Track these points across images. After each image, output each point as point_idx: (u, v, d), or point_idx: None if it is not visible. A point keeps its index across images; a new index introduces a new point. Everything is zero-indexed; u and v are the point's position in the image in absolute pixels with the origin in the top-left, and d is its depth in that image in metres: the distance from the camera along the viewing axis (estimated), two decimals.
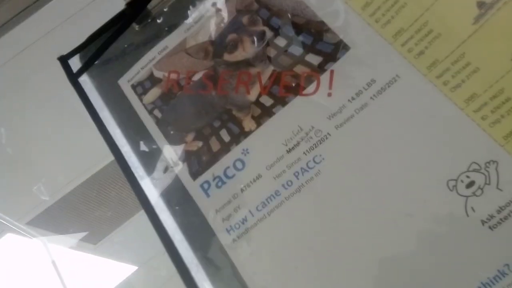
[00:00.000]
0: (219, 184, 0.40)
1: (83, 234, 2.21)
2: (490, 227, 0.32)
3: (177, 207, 0.41)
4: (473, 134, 0.34)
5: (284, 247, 0.38)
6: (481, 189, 0.33)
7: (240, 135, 0.41)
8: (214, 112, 0.43)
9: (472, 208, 0.33)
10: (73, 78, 0.49)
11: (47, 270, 2.03)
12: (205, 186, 0.41)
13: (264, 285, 0.37)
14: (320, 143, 0.38)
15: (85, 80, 0.49)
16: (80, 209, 2.02)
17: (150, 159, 0.43)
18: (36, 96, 1.32)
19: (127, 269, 2.61)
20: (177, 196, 0.41)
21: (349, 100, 0.38)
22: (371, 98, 0.38)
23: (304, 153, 0.39)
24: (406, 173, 0.35)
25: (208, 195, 0.40)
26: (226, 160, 0.41)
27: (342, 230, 0.36)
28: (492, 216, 0.33)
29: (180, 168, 0.42)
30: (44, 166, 1.65)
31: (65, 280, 2.08)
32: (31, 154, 1.57)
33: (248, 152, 0.40)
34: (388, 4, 0.39)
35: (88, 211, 2.06)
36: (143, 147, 0.44)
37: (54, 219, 1.99)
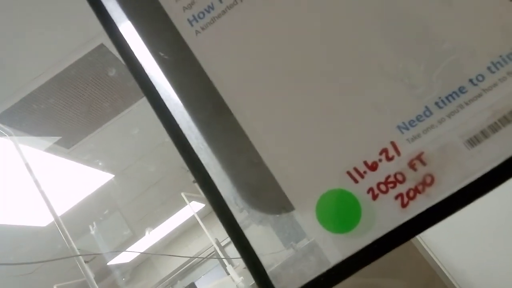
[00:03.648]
0: None
1: (55, 137, 2.14)
2: None
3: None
4: None
5: (258, 42, 0.31)
6: None
7: None
8: None
9: None
10: None
11: (21, 172, 1.98)
12: None
13: (232, 84, 0.31)
14: None
15: None
16: (50, 108, 1.93)
17: None
18: None
19: (103, 177, 2.59)
20: None
21: None
22: None
23: None
24: None
25: None
26: None
27: (335, 21, 0.30)
28: None
29: None
30: (11, 58, 1.54)
31: (40, 182, 2.04)
32: None
33: None
34: None
35: (59, 111, 1.97)
36: None
37: (24, 118, 1.91)
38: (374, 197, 0.28)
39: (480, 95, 0.27)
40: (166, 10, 0.32)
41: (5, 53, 1.53)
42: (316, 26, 0.30)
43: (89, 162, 2.39)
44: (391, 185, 0.28)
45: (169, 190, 3.10)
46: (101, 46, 1.69)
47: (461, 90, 0.27)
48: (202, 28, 0.32)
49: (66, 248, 1.84)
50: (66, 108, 1.97)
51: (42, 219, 2.25)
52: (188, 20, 0.32)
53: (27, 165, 1.98)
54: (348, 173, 0.29)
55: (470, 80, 0.27)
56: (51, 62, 1.71)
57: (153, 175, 2.93)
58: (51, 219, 1.89)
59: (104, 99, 2.08)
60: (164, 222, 3.38)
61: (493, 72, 0.27)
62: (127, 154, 2.59)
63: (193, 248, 3.50)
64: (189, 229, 3.55)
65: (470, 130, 0.27)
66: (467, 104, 0.27)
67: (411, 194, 0.27)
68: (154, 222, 3.31)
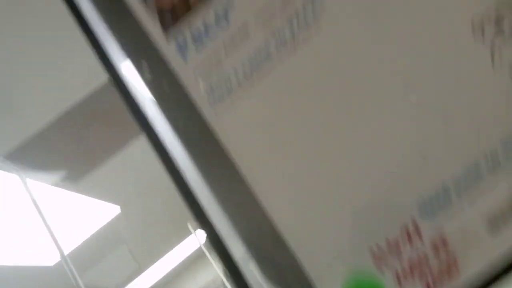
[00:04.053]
0: (198, 41, 0.33)
1: (63, 171, 2.15)
2: None
3: (149, 73, 0.35)
4: None
5: (277, 120, 0.32)
6: None
7: None
8: None
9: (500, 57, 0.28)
10: None
11: (28, 208, 1.98)
12: (181, 42, 0.33)
13: (250, 160, 0.32)
14: None
15: None
16: (59, 144, 1.95)
17: (115, 15, 0.36)
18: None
19: (110, 209, 2.59)
20: (148, 60, 0.35)
21: None
22: None
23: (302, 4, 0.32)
24: (423, 12, 0.29)
25: (185, 59, 0.34)
26: (206, 10, 0.33)
27: (352, 102, 0.30)
28: None
29: (150, 23, 0.35)
30: (19, 96, 1.57)
31: (47, 218, 2.04)
32: (3, 81, 1.47)
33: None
34: None
35: (66, 146, 1.99)
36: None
37: (31, 154, 1.92)
38: (399, 282, 0.28)
39: (496, 176, 0.27)
40: (187, 91, 0.33)
41: (12, 93, 1.56)
42: (335, 104, 0.31)
43: (96, 195, 2.39)
44: (416, 269, 0.28)
45: (175, 221, 3.08)
46: (107, 83, 1.71)
47: (477, 167, 0.28)
48: (222, 109, 0.32)
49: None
50: (73, 143, 1.99)
51: (49, 259, 2.23)
52: (208, 100, 0.33)
53: (34, 202, 1.98)
54: (371, 251, 0.29)
55: (485, 157, 0.27)
56: (58, 100, 1.74)
57: (159, 206, 2.92)
58: (58, 257, 1.88)
59: (110, 133, 2.09)
60: (170, 253, 3.35)
61: (508, 152, 0.27)
62: (134, 185, 2.59)
63: (201, 279, 3.45)
64: (196, 259, 3.51)
65: (490, 212, 0.27)
66: (484, 184, 0.28)
67: (436, 278, 0.27)
68: (161, 253, 3.28)
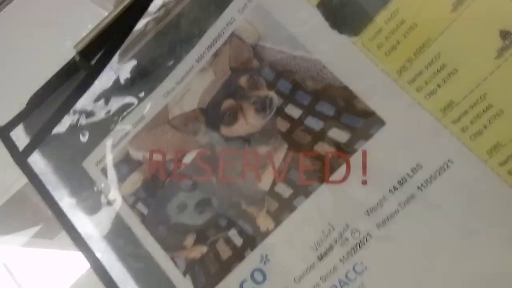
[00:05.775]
0: None
1: (38, 230, 2.07)
2: None
3: None
4: None
5: None
6: None
7: (255, 236, 0.33)
8: (217, 206, 0.34)
9: None
10: (20, 158, 0.38)
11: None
12: None
13: None
14: (360, 247, 0.31)
15: (36, 160, 0.38)
16: (33, 205, 1.87)
17: (139, 271, 0.34)
18: None
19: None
20: None
21: (390, 191, 0.31)
22: (418, 188, 0.30)
23: (340, 260, 0.31)
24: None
25: None
26: (241, 270, 0.33)
27: None
28: None
29: (182, 283, 0.33)
30: None
31: (21, 281, 1.96)
32: None
33: (268, 260, 0.33)
34: (433, 69, 0.31)
35: (42, 206, 1.91)
36: (128, 253, 0.35)
37: (6, 219, 1.84)
38: None
39: None
40: None
41: None
42: None
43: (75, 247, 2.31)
44: None
45: None
46: None
47: None
48: None
49: None
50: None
51: None
52: None
53: (5, 265, 1.91)
54: None
55: None
56: None
57: None
58: None
59: None
60: None
61: None
62: None
63: None
64: None
65: None
66: None
67: None
68: None
